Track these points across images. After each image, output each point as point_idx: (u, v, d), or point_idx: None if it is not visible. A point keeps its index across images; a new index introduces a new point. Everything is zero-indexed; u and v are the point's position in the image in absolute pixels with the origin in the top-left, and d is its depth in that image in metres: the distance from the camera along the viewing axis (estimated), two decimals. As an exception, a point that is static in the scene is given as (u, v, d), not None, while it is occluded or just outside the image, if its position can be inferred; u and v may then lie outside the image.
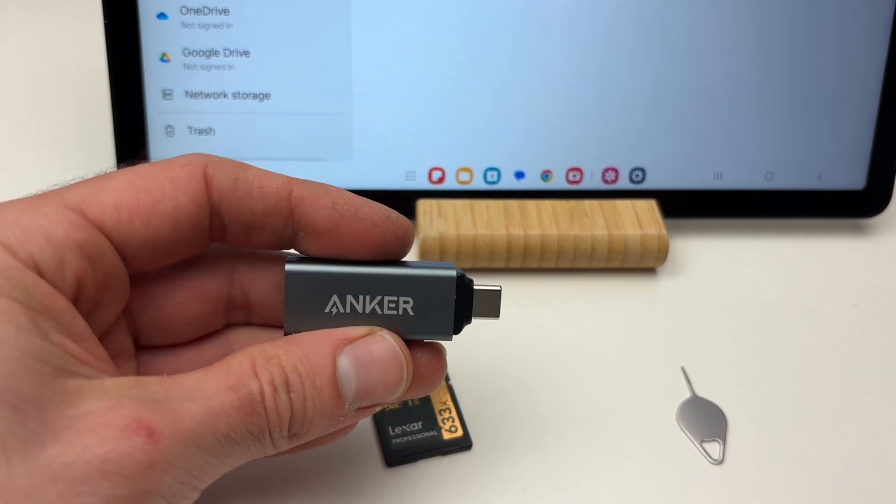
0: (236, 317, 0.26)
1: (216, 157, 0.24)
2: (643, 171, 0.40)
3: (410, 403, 0.32)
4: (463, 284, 0.25)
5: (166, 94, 0.37)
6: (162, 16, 0.36)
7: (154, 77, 0.37)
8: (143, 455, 0.20)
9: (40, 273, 0.21)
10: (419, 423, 0.31)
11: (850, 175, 0.40)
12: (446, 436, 0.31)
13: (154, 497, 0.20)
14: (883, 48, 0.39)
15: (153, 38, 0.36)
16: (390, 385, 0.24)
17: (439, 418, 0.31)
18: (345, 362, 0.23)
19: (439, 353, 0.26)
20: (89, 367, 0.21)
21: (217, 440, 0.21)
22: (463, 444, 0.31)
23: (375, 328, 0.24)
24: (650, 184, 0.40)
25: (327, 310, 0.24)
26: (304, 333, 0.23)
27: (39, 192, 0.22)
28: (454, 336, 0.25)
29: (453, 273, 0.24)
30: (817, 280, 0.39)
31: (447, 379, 0.33)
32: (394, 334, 0.24)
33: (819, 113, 0.39)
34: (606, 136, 0.39)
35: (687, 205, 0.40)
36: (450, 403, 0.32)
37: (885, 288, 0.39)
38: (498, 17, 0.37)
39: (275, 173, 0.24)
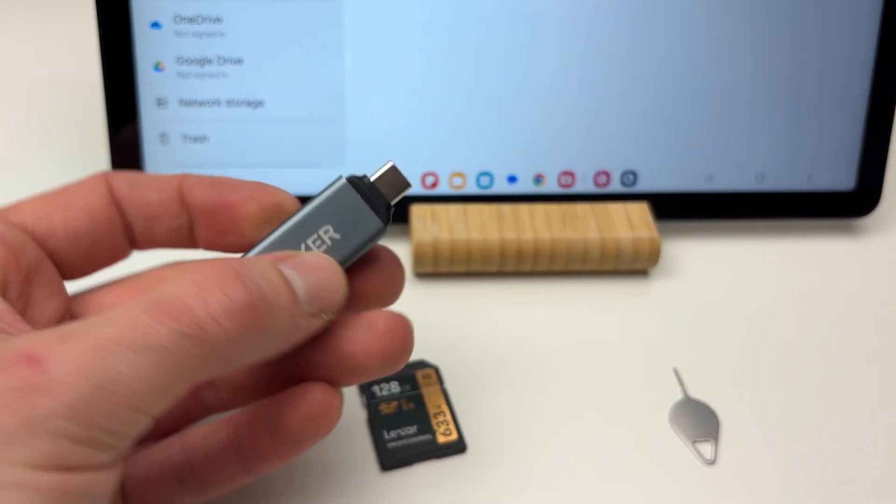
0: None
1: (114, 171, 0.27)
2: (635, 174, 0.40)
3: (405, 407, 0.32)
4: (360, 183, 0.25)
5: (160, 102, 0.37)
6: (156, 25, 0.37)
7: (148, 85, 0.37)
8: (24, 381, 0.18)
9: None
10: (414, 427, 0.31)
11: (840, 176, 0.41)
12: (441, 439, 0.31)
13: (51, 420, 0.19)
14: (871, 49, 0.39)
15: (147, 46, 0.37)
16: (332, 286, 0.23)
17: (434, 422, 0.32)
18: (286, 268, 0.23)
19: (383, 264, 0.27)
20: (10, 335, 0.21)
21: (136, 351, 0.19)
22: (458, 447, 0.31)
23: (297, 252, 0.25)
24: (642, 186, 0.40)
25: None
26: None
27: None
28: (388, 225, 0.26)
29: (343, 180, 0.25)
30: (809, 281, 0.39)
31: (441, 382, 0.33)
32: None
33: (808, 114, 0.40)
34: (598, 139, 0.39)
35: (678, 207, 0.40)
36: (444, 407, 0.32)
37: (877, 288, 0.39)
38: (489, 23, 0.38)
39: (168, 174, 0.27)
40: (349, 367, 0.24)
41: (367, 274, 0.26)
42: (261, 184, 0.26)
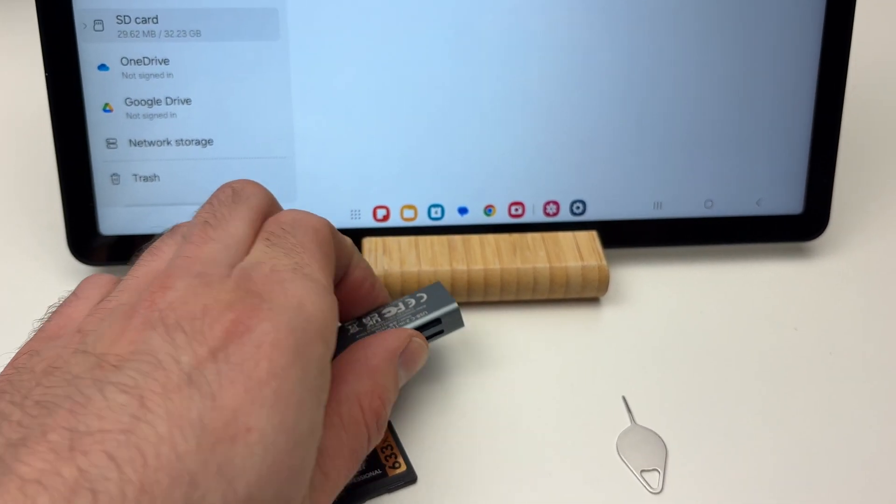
0: None
1: None
2: (583, 203, 0.40)
3: (348, 444, 0.32)
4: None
5: (110, 143, 0.38)
6: (103, 67, 0.37)
7: (98, 127, 0.38)
8: None
9: None
10: (363, 464, 0.31)
11: (789, 200, 0.41)
12: (390, 472, 0.31)
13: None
14: (813, 75, 0.40)
15: (95, 89, 0.37)
16: (420, 363, 0.32)
17: (381, 456, 0.32)
18: (402, 373, 0.31)
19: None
20: None
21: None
22: (407, 478, 0.31)
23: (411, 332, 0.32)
24: (590, 215, 0.40)
25: None
26: (369, 355, 0.30)
27: None
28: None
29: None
30: (759, 305, 0.40)
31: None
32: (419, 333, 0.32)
33: (755, 140, 0.40)
34: (546, 170, 0.40)
35: (628, 234, 0.41)
36: (391, 440, 0.32)
37: (825, 310, 0.39)
38: (436, 58, 0.38)
39: None
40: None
41: None
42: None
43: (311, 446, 0.24)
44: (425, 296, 0.34)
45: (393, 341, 0.31)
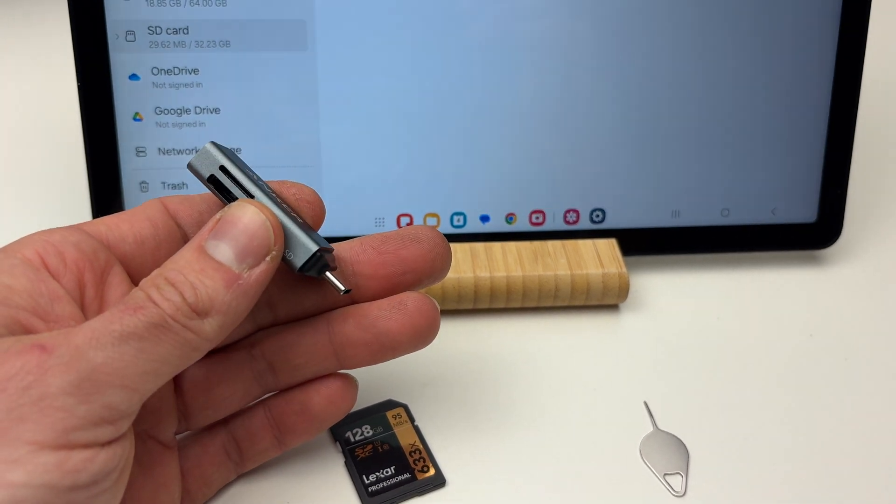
0: (263, 318, 0.30)
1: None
2: (603, 211, 0.41)
3: (380, 449, 0.33)
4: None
5: (139, 151, 0.38)
6: (134, 77, 0.38)
7: (127, 135, 0.38)
8: (35, 363, 0.22)
9: (47, 265, 0.25)
10: (392, 468, 0.32)
11: (803, 209, 0.42)
12: (420, 476, 0.32)
13: (59, 398, 0.21)
14: (827, 87, 0.41)
15: (126, 98, 0.38)
16: (259, 234, 0.26)
17: (410, 460, 0.32)
18: (210, 244, 0.25)
19: (425, 244, 0.30)
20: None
21: (115, 337, 0.23)
22: (437, 482, 0.32)
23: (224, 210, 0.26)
24: (610, 223, 0.41)
25: None
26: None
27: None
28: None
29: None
30: (774, 311, 0.40)
31: (412, 420, 0.34)
32: (246, 199, 0.27)
33: (770, 151, 0.41)
34: (566, 179, 0.41)
35: (646, 242, 0.42)
36: (419, 445, 0.33)
37: (839, 317, 0.40)
38: (459, 68, 0.39)
39: None
40: (385, 344, 0.29)
41: (412, 251, 0.30)
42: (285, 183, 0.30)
43: None
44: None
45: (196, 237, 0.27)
